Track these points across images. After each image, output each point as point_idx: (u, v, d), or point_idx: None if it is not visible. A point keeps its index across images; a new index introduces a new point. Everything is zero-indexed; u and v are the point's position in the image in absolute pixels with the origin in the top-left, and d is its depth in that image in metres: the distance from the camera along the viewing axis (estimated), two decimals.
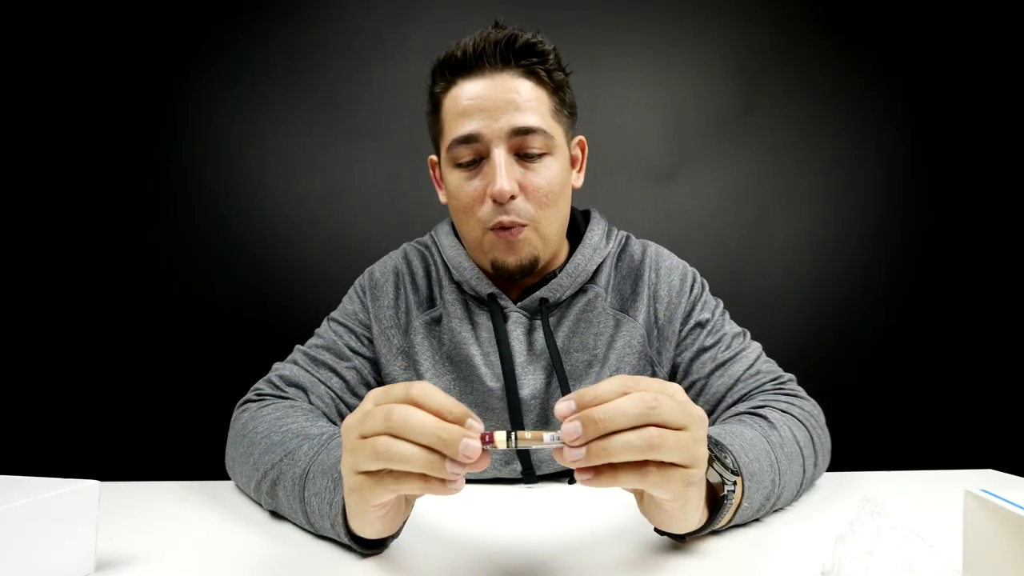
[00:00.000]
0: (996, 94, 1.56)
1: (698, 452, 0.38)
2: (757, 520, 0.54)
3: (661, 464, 0.37)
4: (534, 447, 0.37)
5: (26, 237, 1.44)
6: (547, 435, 0.37)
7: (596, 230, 0.79)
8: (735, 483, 0.46)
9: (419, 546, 0.49)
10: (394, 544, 0.48)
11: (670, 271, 0.78)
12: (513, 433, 0.37)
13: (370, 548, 0.47)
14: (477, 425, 0.37)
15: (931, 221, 1.57)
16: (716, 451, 0.47)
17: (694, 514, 0.42)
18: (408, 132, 1.51)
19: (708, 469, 0.45)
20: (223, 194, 1.49)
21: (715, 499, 0.46)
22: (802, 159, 1.56)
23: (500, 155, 0.66)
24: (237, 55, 1.49)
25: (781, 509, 0.58)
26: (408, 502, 0.44)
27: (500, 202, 0.66)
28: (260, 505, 0.59)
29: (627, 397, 0.36)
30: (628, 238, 0.83)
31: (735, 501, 0.48)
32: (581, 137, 0.77)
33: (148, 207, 1.47)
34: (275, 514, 0.57)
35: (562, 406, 0.36)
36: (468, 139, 0.67)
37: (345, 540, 0.46)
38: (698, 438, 0.38)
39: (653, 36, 1.56)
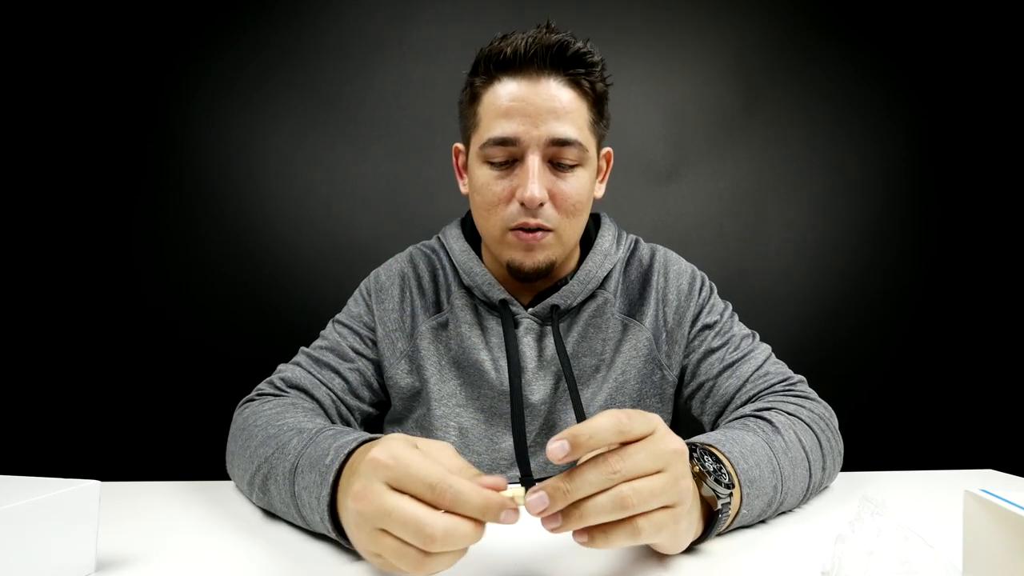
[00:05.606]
0: (996, 94, 1.56)
1: (680, 489, 0.38)
2: (760, 522, 0.54)
3: (647, 512, 0.36)
4: None
5: (26, 237, 1.44)
6: None
7: (607, 236, 0.79)
8: (730, 495, 0.46)
9: None
10: None
11: (679, 275, 0.79)
12: (528, 488, 0.37)
13: None
14: (508, 497, 0.36)
15: (931, 221, 1.57)
16: (711, 465, 0.46)
17: (686, 539, 0.42)
18: (408, 132, 1.51)
19: (702, 485, 0.45)
20: (223, 194, 1.49)
21: (710, 512, 0.46)
22: (802, 159, 1.57)
23: (535, 162, 0.66)
24: (237, 56, 1.49)
25: (787, 512, 0.58)
26: None
27: (530, 207, 0.67)
28: (253, 503, 0.59)
29: (589, 464, 0.35)
30: (637, 242, 0.83)
31: (732, 510, 0.48)
32: (608, 149, 0.77)
33: (148, 208, 1.47)
34: (270, 513, 0.57)
35: (555, 446, 0.35)
36: (505, 141, 0.66)
37: (333, 535, 0.45)
38: (677, 475, 0.37)
39: (653, 36, 1.56)
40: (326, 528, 0.45)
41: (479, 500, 0.34)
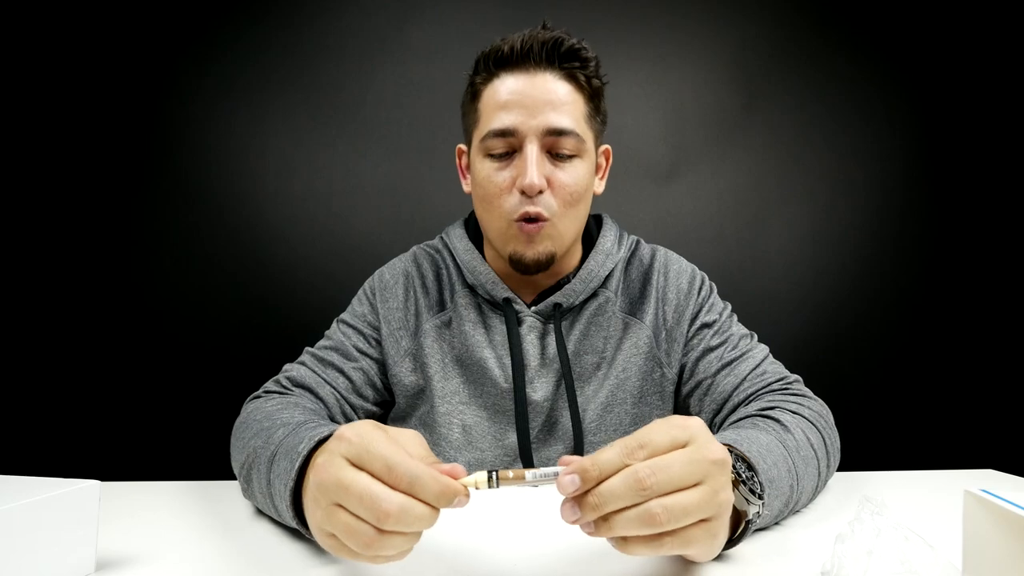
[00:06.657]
0: (996, 94, 1.56)
1: (718, 502, 0.36)
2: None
3: (676, 529, 0.35)
4: (516, 486, 0.37)
5: (26, 237, 1.44)
6: (528, 473, 0.37)
7: (608, 236, 0.80)
8: (761, 504, 0.44)
9: (417, 549, 0.49)
10: None
11: (679, 274, 0.80)
12: (495, 473, 0.37)
13: None
14: (461, 487, 0.36)
15: (931, 220, 1.57)
16: (745, 472, 0.45)
17: (717, 548, 0.41)
18: (408, 132, 1.51)
19: (733, 492, 0.43)
20: (223, 195, 1.49)
21: (737, 518, 0.44)
22: (802, 158, 1.56)
23: (533, 150, 0.68)
24: (237, 55, 1.49)
25: (797, 511, 0.57)
26: None
27: (529, 195, 0.68)
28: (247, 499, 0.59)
29: (617, 477, 0.34)
30: (638, 242, 0.84)
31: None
32: (607, 146, 0.79)
33: (148, 207, 1.47)
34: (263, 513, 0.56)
35: (566, 480, 0.35)
36: (504, 132, 0.69)
37: (294, 524, 0.44)
38: (716, 487, 0.36)
39: (653, 36, 1.56)
40: (289, 514, 0.45)
41: (436, 487, 0.35)
